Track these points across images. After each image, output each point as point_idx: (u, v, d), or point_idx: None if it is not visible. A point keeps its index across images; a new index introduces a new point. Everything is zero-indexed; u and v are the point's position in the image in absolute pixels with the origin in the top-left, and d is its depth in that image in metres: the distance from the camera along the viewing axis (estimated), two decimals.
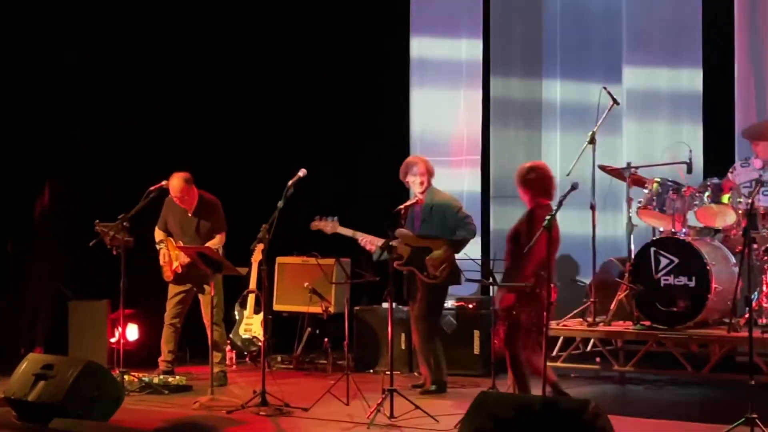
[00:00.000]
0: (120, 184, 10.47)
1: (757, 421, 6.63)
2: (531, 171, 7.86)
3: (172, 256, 9.56)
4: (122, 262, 9.03)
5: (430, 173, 9.18)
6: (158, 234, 9.72)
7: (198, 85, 11.54)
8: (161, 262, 9.65)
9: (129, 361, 9.30)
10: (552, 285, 7.60)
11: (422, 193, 9.11)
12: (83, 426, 6.70)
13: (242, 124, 11.72)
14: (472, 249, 9.27)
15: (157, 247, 9.67)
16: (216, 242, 9.50)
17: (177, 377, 9.47)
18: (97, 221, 9.28)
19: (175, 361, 9.80)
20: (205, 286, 9.26)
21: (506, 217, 10.21)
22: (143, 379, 9.23)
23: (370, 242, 9.06)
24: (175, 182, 9.50)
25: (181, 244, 9.47)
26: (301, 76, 11.83)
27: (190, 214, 9.63)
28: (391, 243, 8.31)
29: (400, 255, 9.01)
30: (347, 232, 9.10)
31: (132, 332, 10.55)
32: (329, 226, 9.12)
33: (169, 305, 9.73)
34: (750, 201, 7.84)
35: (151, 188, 9.28)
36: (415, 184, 9.14)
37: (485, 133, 11.38)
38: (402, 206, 8.68)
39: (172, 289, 9.73)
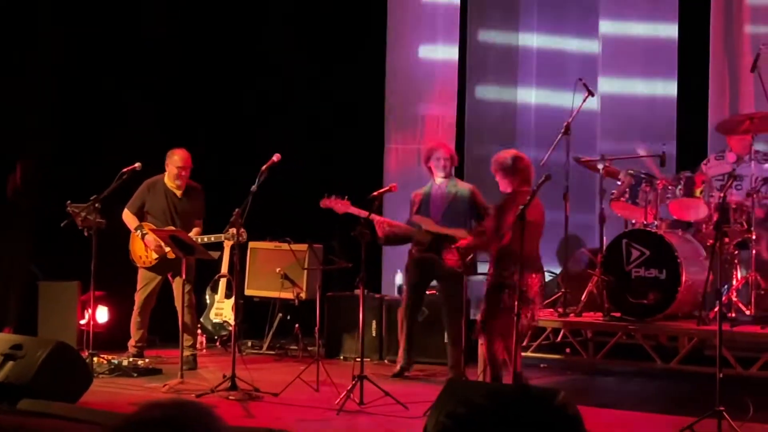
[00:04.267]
0: (93, 164, 10.41)
1: (725, 413, 6.67)
2: (519, 160, 7.97)
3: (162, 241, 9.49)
4: (93, 244, 8.98)
5: (453, 160, 9.24)
6: (132, 218, 9.61)
7: (172, 67, 11.50)
8: (149, 248, 9.55)
9: (98, 343, 9.25)
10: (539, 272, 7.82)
11: (444, 178, 9.14)
12: (51, 407, 6.64)
13: (217, 108, 11.68)
14: None
15: (137, 233, 9.57)
16: (198, 232, 9.49)
17: (146, 360, 9.46)
18: (69, 202, 9.24)
19: (144, 344, 9.77)
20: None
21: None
22: (112, 361, 9.21)
23: (380, 223, 9.01)
24: (183, 153, 9.49)
25: (171, 228, 9.38)
26: (277, 65, 11.81)
27: (180, 195, 9.58)
28: (364, 230, 8.30)
29: (420, 241, 9.04)
30: (359, 212, 8.90)
31: (102, 314, 10.49)
32: (341, 205, 8.96)
33: (140, 295, 9.66)
34: (722, 195, 7.87)
35: (124, 170, 9.22)
36: (438, 168, 9.17)
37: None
38: (376, 193, 8.66)
39: (143, 277, 9.68)
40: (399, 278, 10.41)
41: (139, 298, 9.69)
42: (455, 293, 9.05)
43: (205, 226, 9.64)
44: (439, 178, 9.23)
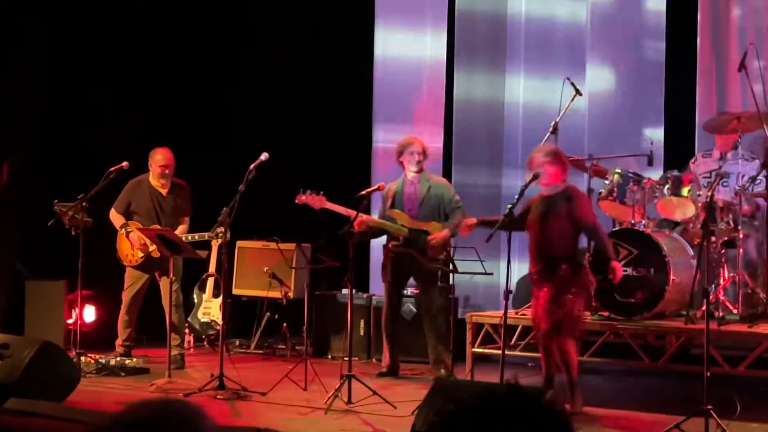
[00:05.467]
0: (80, 163, 10.39)
1: (712, 412, 6.69)
2: (560, 150, 7.95)
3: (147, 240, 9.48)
4: (80, 243, 8.97)
5: (426, 153, 9.24)
6: (118, 218, 9.62)
7: (159, 66, 11.47)
8: (134, 246, 9.55)
9: (86, 343, 9.24)
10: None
11: (418, 172, 9.14)
12: (38, 406, 6.62)
13: (205, 106, 11.66)
14: None
15: (122, 231, 9.57)
16: (184, 229, 9.47)
17: (134, 359, 9.44)
18: (56, 201, 9.22)
19: (132, 343, 9.76)
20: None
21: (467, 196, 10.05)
22: (100, 360, 9.19)
23: (361, 222, 8.93)
24: (165, 152, 9.49)
25: (157, 227, 9.37)
26: (266, 63, 11.79)
27: (165, 194, 9.57)
28: (353, 228, 8.30)
29: (396, 237, 9.04)
30: (335, 207, 8.88)
31: (89, 313, 10.48)
32: (317, 201, 8.90)
33: (127, 293, 9.65)
34: (709, 194, 7.89)
35: (111, 169, 9.22)
36: (411, 162, 9.15)
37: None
38: (364, 192, 8.66)
39: (130, 276, 9.66)
40: None
41: (126, 297, 9.68)
42: (432, 291, 9.07)
43: (191, 224, 9.62)
44: (411, 173, 9.23)
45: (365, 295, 10.36)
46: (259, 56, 11.84)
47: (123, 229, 9.56)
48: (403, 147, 9.25)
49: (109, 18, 11.13)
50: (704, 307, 7.24)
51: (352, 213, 8.53)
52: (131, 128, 10.96)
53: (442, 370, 8.97)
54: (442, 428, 2.18)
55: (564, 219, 7.65)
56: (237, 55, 11.83)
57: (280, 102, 11.71)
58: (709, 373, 6.80)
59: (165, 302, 9.37)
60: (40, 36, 10.96)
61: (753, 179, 8.67)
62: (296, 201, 8.92)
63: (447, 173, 10.86)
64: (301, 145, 11.44)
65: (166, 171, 9.53)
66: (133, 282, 9.67)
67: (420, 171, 9.22)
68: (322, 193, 8.88)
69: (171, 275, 8.92)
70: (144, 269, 9.63)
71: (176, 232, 9.21)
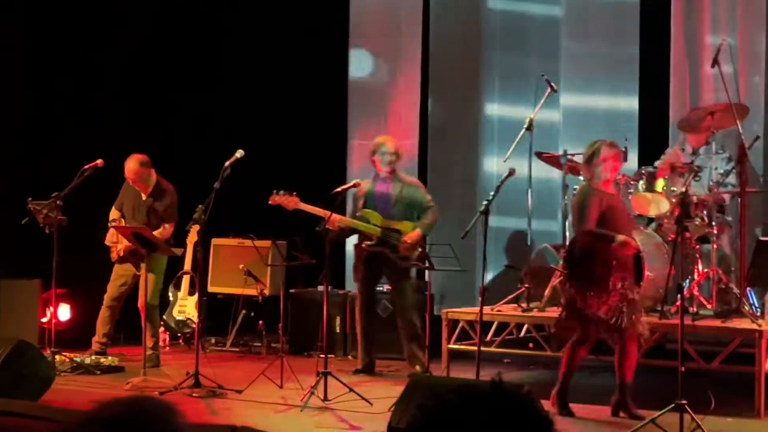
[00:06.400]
0: (54, 161, 10.34)
1: (686, 407, 6.72)
2: None
3: (119, 237, 9.48)
4: (55, 241, 8.92)
5: (398, 154, 9.24)
6: (113, 213, 9.67)
7: (138, 65, 11.44)
8: (108, 242, 9.57)
9: (60, 341, 9.20)
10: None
11: (391, 172, 9.13)
12: (13, 405, 6.57)
13: (182, 104, 11.62)
14: None
15: (110, 225, 9.60)
16: (162, 231, 9.42)
17: (109, 358, 9.41)
18: (30, 199, 9.17)
19: (109, 341, 9.72)
20: (142, 265, 9.14)
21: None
22: (75, 359, 9.15)
23: (334, 221, 8.88)
24: (130, 164, 9.46)
25: (129, 226, 9.37)
26: (241, 60, 11.77)
27: (144, 198, 9.56)
28: (327, 226, 8.29)
29: (369, 236, 9.03)
30: (309, 208, 8.85)
31: (64, 312, 10.43)
32: (291, 201, 8.85)
33: (112, 287, 9.63)
34: (683, 190, 7.91)
35: (85, 167, 9.18)
36: (383, 162, 9.14)
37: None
38: (339, 189, 8.64)
39: (117, 271, 9.64)
40: None
41: (108, 289, 9.66)
42: (405, 289, 9.07)
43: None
44: (383, 173, 9.22)
45: (341, 292, 10.35)
46: (236, 53, 11.80)
47: (110, 224, 9.60)
48: (376, 146, 9.26)
49: (95, 15, 11.08)
50: (678, 303, 7.27)
51: (326, 213, 8.47)
52: (107, 125, 10.90)
53: (418, 367, 8.98)
54: (423, 423, 2.18)
55: None
56: (214, 53, 11.79)
57: (255, 99, 11.68)
58: (683, 368, 6.83)
59: (141, 300, 9.35)
60: (19, 31, 10.90)
61: (727, 173, 8.71)
62: (269, 202, 8.86)
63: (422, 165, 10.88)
64: (276, 142, 11.42)
65: (132, 181, 9.53)
66: (114, 278, 9.66)
67: (392, 171, 9.22)
68: (295, 193, 8.84)
69: (144, 273, 8.91)
70: (127, 267, 9.59)
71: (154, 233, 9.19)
